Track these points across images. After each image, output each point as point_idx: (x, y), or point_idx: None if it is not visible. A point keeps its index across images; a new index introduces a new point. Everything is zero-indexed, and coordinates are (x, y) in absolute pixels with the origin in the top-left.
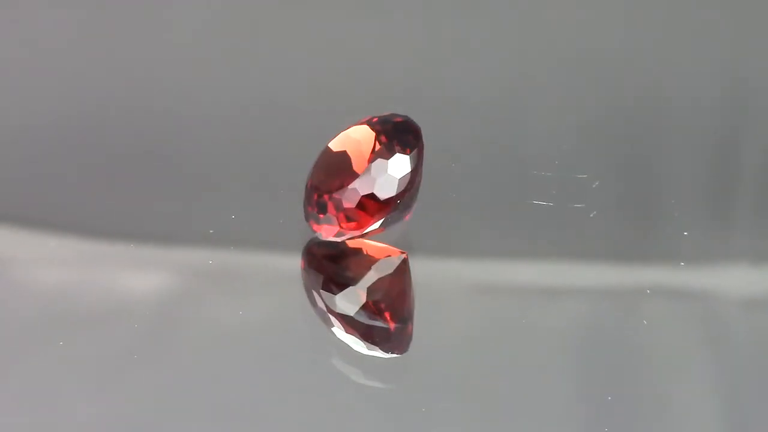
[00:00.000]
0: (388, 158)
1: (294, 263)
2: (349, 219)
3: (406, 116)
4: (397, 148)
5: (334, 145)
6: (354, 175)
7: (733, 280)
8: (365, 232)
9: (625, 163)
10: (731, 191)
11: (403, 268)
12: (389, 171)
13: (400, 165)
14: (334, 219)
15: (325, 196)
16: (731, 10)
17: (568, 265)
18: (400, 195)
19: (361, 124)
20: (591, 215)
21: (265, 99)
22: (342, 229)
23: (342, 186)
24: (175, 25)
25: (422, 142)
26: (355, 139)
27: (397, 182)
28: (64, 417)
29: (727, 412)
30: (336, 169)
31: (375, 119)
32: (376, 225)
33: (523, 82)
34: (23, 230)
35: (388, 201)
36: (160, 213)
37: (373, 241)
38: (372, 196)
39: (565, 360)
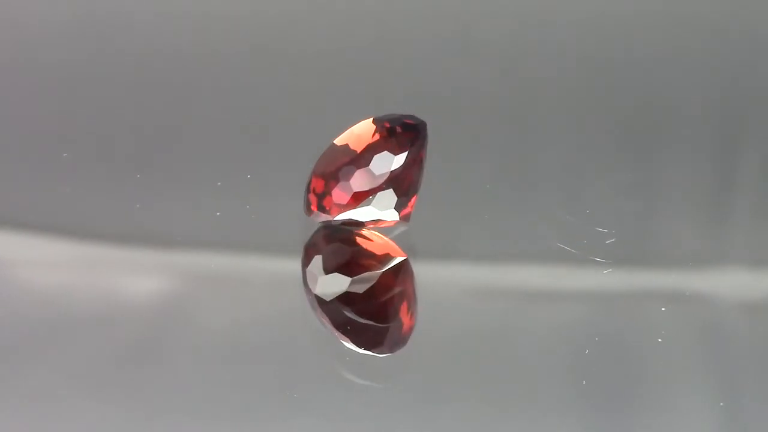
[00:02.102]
0: (373, 154)
1: (293, 266)
2: (328, 202)
3: (418, 120)
4: (389, 146)
5: (344, 134)
6: (344, 163)
7: (731, 283)
8: (339, 218)
9: (623, 166)
10: (729, 194)
11: (399, 270)
12: (370, 166)
13: (383, 162)
14: (316, 200)
15: (316, 179)
16: (732, 9)
17: (567, 267)
18: (373, 190)
19: (376, 117)
20: (605, 271)
21: (271, 97)
22: (318, 211)
23: (329, 171)
24: (175, 23)
25: (419, 145)
26: (362, 129)
27: (374, 178)
28: (63, 419)
29: (726, 415)
30: (335, 156)
31: (388, 116)
32: (353, 215)
33: (525, 82)
34: (23, 232)
35: (363, 193)
36: (159, 215)
37: (381, 238)
38: (349, 186)
39: (563, 362)
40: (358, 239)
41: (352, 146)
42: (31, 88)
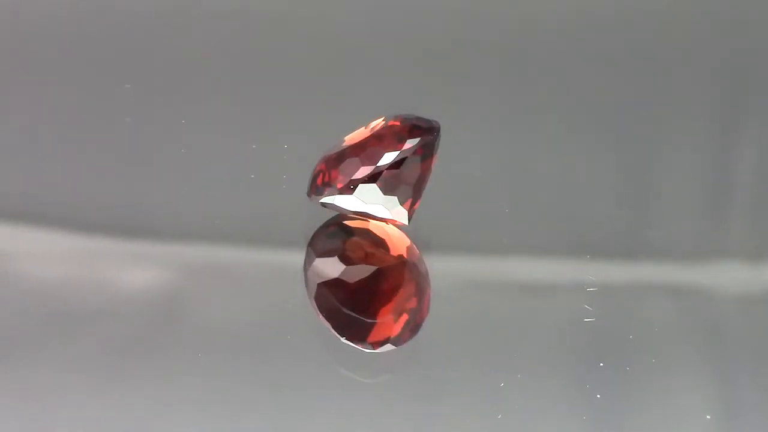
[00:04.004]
0: (366, 147)
1: (294, 259)
2: (319, 183)
3: (426, 125)
4: (383, 142)
5: (371, 123)
6: (343, 149)
7: (730, 277)
8: (326, 201)
9: (622, 160)
10: (727, 189)
11: (399, 268)
12: (360, 156)
13: (372, 156)
14: (312, 180)
15: (320, 160)
16: (734, 5)
17: (565, 262)
18: (354, 181)
19: (399, 114)
20: (587, 320)
21: (272, 94)
22: (313, 189)
23: (329, 154)
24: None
25: (413, 149)
26: (371, 125)
27: (359, 168)
28: (62, 412)
29: (724, 408)
30: (345, 142)
31: (406, 114)
32: (340, 201)
33: (525, 81)
34: (20, 225)
35: (347, 181)
36: (158, 209)
37: (402, 236)
38: (336, 171)
39: (562, 357)
40: (374, 232)
41: (361, 135)
42: (30, 79)
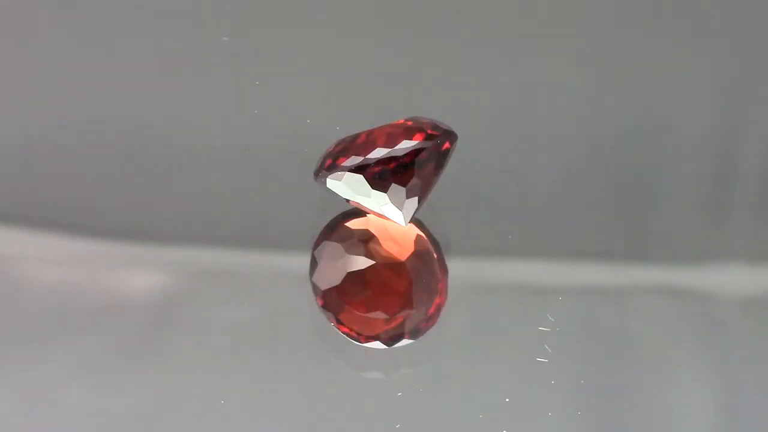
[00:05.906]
0: (367, 139)
1: (297, 262)
2: (319, 165)
3: (435, 132)
4: (383, 139)
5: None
6: (349, 137)
7: (731, 279)
8: (319, 181)
9: (622, 162)
10: (729, 191)
11: (393, 268)
12: (355, 146)
13: (365, 149)
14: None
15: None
16: (732, 11)
17: (565, 264)
18: (344, 168)
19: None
20: (541, 327)
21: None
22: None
23: (343, 137)
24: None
25: (405, 150)
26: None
27: (349, 158)
28: (63, 415)
29: (725, 411)
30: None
31: (425, 118)
32: (334, 187)
33: (525, 85)
34: (23, 229)
35: (339, 166)
36: (160, 212)
37: (422, 238)
38: (336, 154)
39: (562, 359)
40: (388, 230)
41: (376, 127)
42: (31, 87)
